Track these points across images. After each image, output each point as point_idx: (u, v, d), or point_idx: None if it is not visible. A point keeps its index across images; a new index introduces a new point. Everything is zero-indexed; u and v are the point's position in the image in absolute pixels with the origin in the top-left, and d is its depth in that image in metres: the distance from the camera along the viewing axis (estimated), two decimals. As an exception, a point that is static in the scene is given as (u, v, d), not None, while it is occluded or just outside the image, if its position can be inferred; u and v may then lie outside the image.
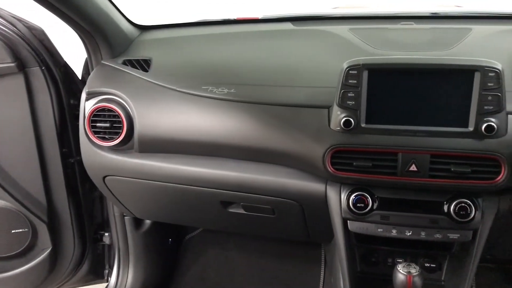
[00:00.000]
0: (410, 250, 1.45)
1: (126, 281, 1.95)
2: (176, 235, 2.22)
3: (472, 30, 1.44)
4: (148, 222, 1.97)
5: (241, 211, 1.50)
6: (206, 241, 2.25)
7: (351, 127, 1.20)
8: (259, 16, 1.80)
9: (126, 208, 1.70)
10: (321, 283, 2.00)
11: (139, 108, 1.44)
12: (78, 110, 1.54)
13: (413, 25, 1.55)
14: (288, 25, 1.66)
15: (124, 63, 1.53)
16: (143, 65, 1.52)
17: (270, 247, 2.17)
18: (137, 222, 1.91)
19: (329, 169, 1.24)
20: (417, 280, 1.09)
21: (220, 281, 2.10)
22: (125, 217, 1.87)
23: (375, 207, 1.27)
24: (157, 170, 1.46)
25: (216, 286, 2.09)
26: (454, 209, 1.22)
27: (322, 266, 2.05)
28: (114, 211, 1.84)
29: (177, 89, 1.41)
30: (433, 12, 1.68)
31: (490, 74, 1.12)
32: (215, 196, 1.46)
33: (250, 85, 1.38)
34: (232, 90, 1.36)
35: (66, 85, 1.60)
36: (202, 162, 1.43)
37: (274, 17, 1.76)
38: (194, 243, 2.26)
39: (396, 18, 1.64)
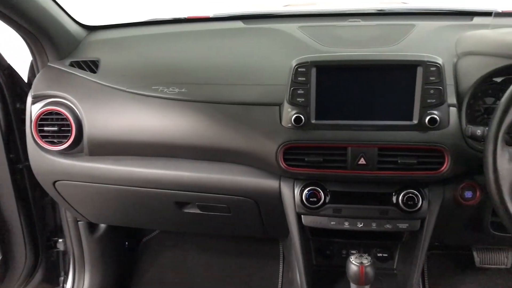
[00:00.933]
0: (363, 241, 1.49)
1: (83, 287, 1.91)
2: (133, 238, 2.18)
3: (415, 26, 1.49)
4: (103, 226, 1.93)
5: (197, 211, 1.50)
6: (163, 242, 2.23)
7: (302, 123, 1.22)
8: (210, 14, 1.80)
9: (79, 213, 1.66)
10: (280, 278, 2.03)
11: (87, 111, 1.41)
12: (25, 114, 1.49)
13: (360, 22, 1.59)
14: (239, 24, 1.66)
15: (72, 64, 1.49)
16: (91, 66, 1.49)
17: (229, 246, 2.18)
18: (92, 227, 1.87)
19: (282, 166, 1.25)
20: (369, 270, 1.12)
21: (178, 282, 2.09)
22: (79, 222, 1.82)
23: (327, 200, 1.30)
24: (109, 173, 1.43)
25: (174, 287, 2.08)
26: (402, 200, 1.26)
27: (281, 261, 2.08)
28: (67, 217, 1.79)
29: (127, 90, 1.39)
30: (379, 9, 1.73)
31: (431, 68, 1.16)
32: (169, 197, 1.45)
33: (201, 84, 1.37)
34: (183, 90, 1.35)
35: (11, 89, 1.55)
36: (155, 163, 1.41)
37: (225, 16, 1.76)
38: (151, 246, 2.23)
39: (344, 15, 1.67)
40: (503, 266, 1.93)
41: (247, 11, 1.80)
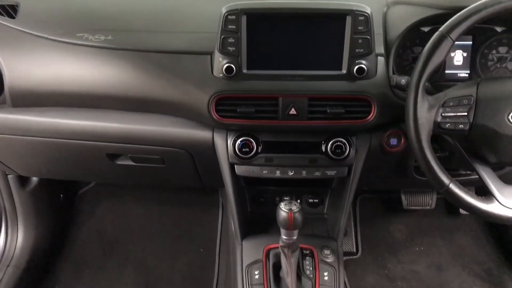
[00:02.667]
0: (295, 188, 1.54)
1: (16, 242, 1.87)
2: (68, 191, 2.14)
3: None
4: (34, 179, 1.87)
5: (130, 162, 1.47)
6: (100, 195, 2.20)
7: (233, 73, 1.20)
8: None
9: (6, 166, 1.60)
10: (219, 225, 2.07)
11: (7, 60, 1.32)
12: None
13: None
14: None
15: None
16: (9, 10, 1.37)
17: (167, 196, 2.18)
18: (22, 180, 1.81)
19: (214, 116, 1.24)
20: (298, 216, 1.15)
21: (117, 234, 2.09)
22: (8, 176, 1.76)
23: (259, 150, 1.31)
24: (35, 125, 1.37)
25: (114, 239, 2.08)
26: (330, 148, 1.29)
27: (220, 210, 2.12)
28: (-6, 170, 1.72)
29: (49, 37, 1.31)
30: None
31: (360, 18, 1.17)
32: (100, 149, 1.41)
33: (128, 31, 1.31)
34: (109, 37, 1.29)
35: None
36: (83, 115, 1.36)
37: None
38: (88, 198, 2.20)
39: None
40: (428, 207, 2.06)
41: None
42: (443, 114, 1.06)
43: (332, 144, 1.29)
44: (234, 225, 1.47)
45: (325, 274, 1.35)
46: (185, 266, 1.97)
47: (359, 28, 1.17)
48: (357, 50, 1.19)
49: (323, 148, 1.31)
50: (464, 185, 1.08)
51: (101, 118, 1.35)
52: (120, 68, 1.28)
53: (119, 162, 1.48)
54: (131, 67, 1.28)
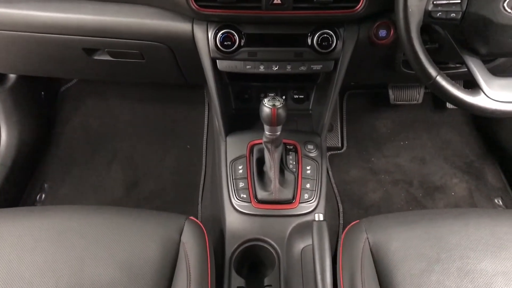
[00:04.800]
0: (280, 84, 1.50)
1: None
2: (49, 88, 2.09)
3: None
4: (12, 76, 1.81)
5: (108, 58, 1.41)
6: (83, 91, 2.16)
7: None
8: None
9: None
10: (206, 122, 2.06)
11: None
12: None
13: None
14: None
15: None
16: None
17: (153, 93, 2.15)
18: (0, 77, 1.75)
19: (193, 6, 1.16)
20: (281, 112, 1.13)
21: (103, 130, 2.08)
22: None
23: (242, 44, 1.25)
24: (3, 17, 1.28)
25: (100, 135, 2.07)
26: (317, 41, 1.24)
27: (206, 106, 2.09)
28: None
29: None
30: None
31: None
32: (75, 43, 1.34)
33: None
34: None
35: None
36: (54, 5, 1.26)
37: None
38: (71, 94, 2.16)
39: None
40: (414, 102, 2.06)
41: None
42: (434, 2, 1.00)
43: (318, 37, 1.23)
44: (217, 121, 1.46)
45: (308, 168, 1.37)
46: (173, 162, 1.99)
47: None
48: None
49: (309, 41, 1.25)
50: (452, 78, 1.05)
51: (75, 10, 1.26)
52: None
53: (96, 57, 1.42)
54: None
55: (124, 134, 2.07)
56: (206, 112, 2.09)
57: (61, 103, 2.14)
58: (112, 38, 1.31)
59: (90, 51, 1.40)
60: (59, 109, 2.13)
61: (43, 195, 1.90)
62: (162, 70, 1.51)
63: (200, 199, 1.83)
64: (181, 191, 1.89)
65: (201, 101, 2.11)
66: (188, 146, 2.03)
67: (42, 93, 2.03)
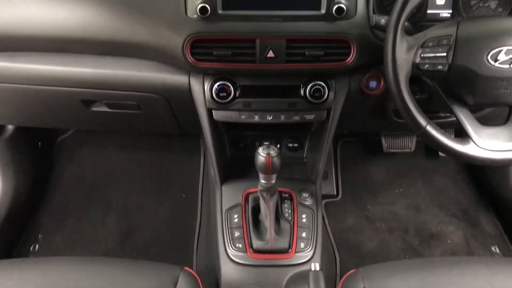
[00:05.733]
0: (274, 133, 1.53)
1: None
2: (46, 138, 2.11)
3: None
4: (10, 127, 1.83)
5: (105, 109, 1.44)
6: (80, 141, 2.18)
7: (208, 13, 1.15)
8: None
9: None
10: (201, 170, 2.07)
11: None
12: None
13: None
14: None
15: None
16: None
17: (148, 142, 2.17)
18: None
19: (190, 60, 1.20)
20: (276, 161, 1.15)
21: (99, 180, 2.08)
22: None
23: (237, 95, 1.29)
24: (3, 71, 1.32)
25: (95, 185, 2.07)
26: (309, 92, 1.28)
27: (202, 155, 2.11)
28: (-33, 118, 1.67)
29: None
30: None
31: None
32: (74, 95, 1.37)
33: None
34: None
35: None
36: (55, 60, 1.31)
37: None
38: (67, 145, 2.17)
39: None
40: (407, 150, 2.09)
41: None
42: (422, 55, 1.04)
43: (311, 88, 1.27)
44: (213, 170, 1.47)
45: (303, 216, 1.38)
46: (168, 212, 1.99)
47: None
48: None
49: (302, 91, 1.29)
50: (442, 127, 1.08)
51: (73, 63, 1.30)
52: (90, 10, 1.22)
53: (94, 109, 1.45)
54: (102, 8, 1.21)
55: (119, 183, 2.07)
56: (202, 161, 2.10)
57: (57, 154, 2.15)
58: (111, 90, 1.35)
59: (88, 102, 1.43)
60: (55, 160, 2.14)
61: (37, 246, 1.88)
62: (158, 120, 1.54)
63: (195, 249, 1.81)
64: (176, 241, 1.87)
65: (196, 150, 2.13)
66: (183, 195, 2.03)
67: (39, 143, 2.04)
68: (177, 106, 1.40)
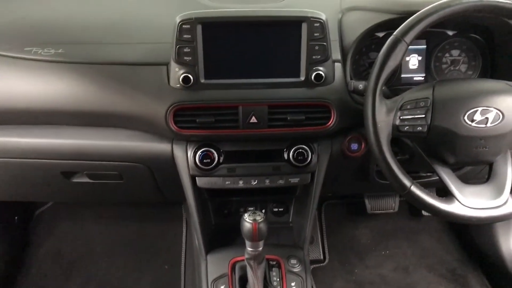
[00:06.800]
0: (259, 198, 1.52)
1: None
2: (23, 211, 2.04)
3: None
4: (-14, 202, 1.78)
5: (86, 180, 1.42)
6: (59, 214, 2.12)
7: (191, 83, 1.17)
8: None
9: None
10: (184, 239, 2.02)
11: None
12: None
13: None
14: None
15: None
16: None
17: (129, 212, 2.12)
18: None
19: (173, 128, 1.21)
20: (262, 227, 1.13)
21: (78, 254, 2.00)
22: None
23: (221, 161, 1.29)
24: None
25: (74, 260, 1.99)
26: (293, 155, 1.29)
27: (184, 223, 2.07)
28: None
29: None
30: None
31: (315, 24, 1.16)
32: (54, 167, 1.35)
33: (80, 44, 1.26)
34: (60, 51, 1.24)
35: None
36: (35, 132, 1.30)
37: None
38: (45, 218, 2.11)
39: None
40: (391, 210, 2.09)
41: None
42: (401, 117, 1.07)
43: (294, 151, 1.28)
44: (197, 239, 1.44)
45: (293, 284, 1.34)
46: (150, 284, 1.91)
47: (315, 34, 1.17)
48: (314, 57, 1.19)
49: (286, 155, 1.30)
50: (425, 186, 1.08)
51: (54, 135, 1.29)
52: (72, 82, 1.23)
53: (75, 180, 1.42)
54: (84, 81, 1.23)
55: (99, 257, 2.00)
56: (184, 230, 2.05)
57: (34, 227, 2.08)
58: (92, 161, 1.33)
59: (68, 174, 1.40)
60: (32, 233, 2.06)
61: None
62: (140, 190, 1.52)
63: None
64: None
65: (178, 218, 2.09)
66: (166, 266, 1.96)
67: (16, 217, 1.98)
68: (159, 174, 1.39)
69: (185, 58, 1.17)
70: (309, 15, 1.16)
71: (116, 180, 1.41)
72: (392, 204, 2.08)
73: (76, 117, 1.27)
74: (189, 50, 1.16)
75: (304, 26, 1.16)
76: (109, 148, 1.30)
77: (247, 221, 1.13)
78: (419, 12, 1.03)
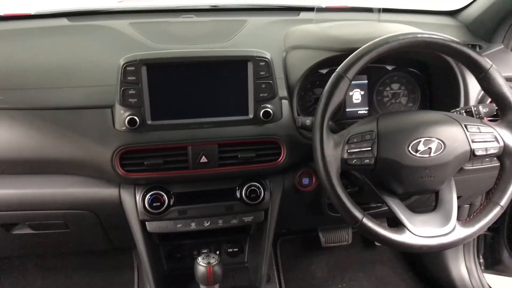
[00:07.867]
0: (213, 239, 1.48)
1: None
2: None
3: (247, 22, 1.52)
4: None
5: (28, 231, 1.34)
6: None
7: (137, 125, 1.15)
8: (31, 11, 1.61)
9: None
10: (136, 287, 1.93)
11: None
12: None
13: (194, 18, 1.58)
14: (63, 21, 1.52)
15: None
16: None
17: (75, 261, 2.01)
18: None
19: (120, 172, 1.17)
20: (217, 269, 1.11)
21: None
22: None
23: (171, 203, 1.26)
24: None
25: None
26: (245, 193, 1.28)
27: (136, 270, 1.98)
28: None
29: None
30: (213, 4, 1.73)
31: (261, 63, 1.18)
32: None
33: (20, 90, 1.22)
34: None
35: None
36: None
37: (48, 13, 1.60)
38: None
39: (177, 11, 1.64)
40: (345, 243, 2.09)
41: (73, 8, 1.65)
42: (348, 151, 1.08)
43: (246, 189, 1.28)
44: (149, 286, 1.38)
45: (251, 326, 1.30)
46: None
47: (261, 73, 1.19)
48: (261, 95, 1.20)
49: (238, 194, 1.29)
50: (376, 217, 1.10)
51: None
52: (12, 129, 1.18)
53: (15, 232, 1.34)
54: (25, 127, 1.18)
55: (45, 313, 1.87)
56: (136, 277, 1.97)
57: None
58: (34, 211, 1.26)
59: (8, 226, 1.32)
60: None
61: None
62: (87, 238, 1.45)
63: None
64: None
65: (129, 265, 2.00)
66: None
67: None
68: (107, 220, 1.33)
69: (130, 100, 1.15)
70: (254, 54, 1.18)
71: (62, 229, 1.34)
72: (345, 236, 2.09)
73: (18, 165, 1.21)
74: (134, 92, 1.14)
75: (250, 65, 1.18)
76: (53, 196, 1.24)
77: (201, 264, 1.10)
78: (359, 49, 1.07)
